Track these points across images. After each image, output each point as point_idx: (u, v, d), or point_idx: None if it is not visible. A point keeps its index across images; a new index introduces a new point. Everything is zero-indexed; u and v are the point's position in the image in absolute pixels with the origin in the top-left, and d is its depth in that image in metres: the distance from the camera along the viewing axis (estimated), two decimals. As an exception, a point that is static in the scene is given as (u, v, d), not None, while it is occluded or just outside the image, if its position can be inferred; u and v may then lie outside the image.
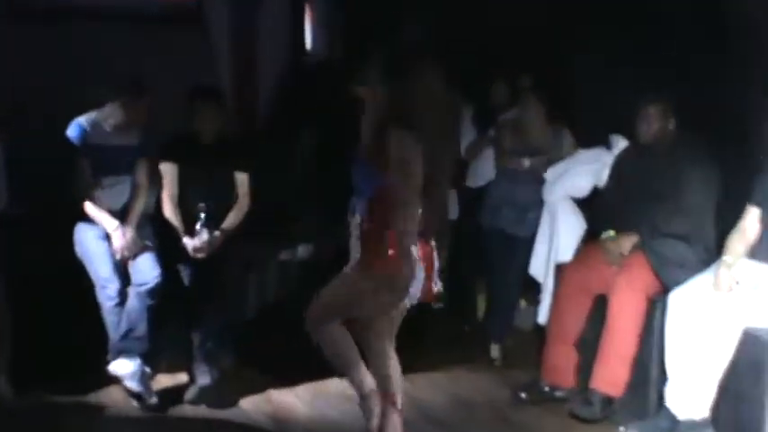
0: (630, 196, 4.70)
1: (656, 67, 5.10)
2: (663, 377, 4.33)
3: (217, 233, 4.84)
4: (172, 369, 4.96)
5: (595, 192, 5.11)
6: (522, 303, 5.72)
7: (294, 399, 4.84)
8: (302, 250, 5.89)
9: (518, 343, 5.55)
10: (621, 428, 4.41)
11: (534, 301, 5.41)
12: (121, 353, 4.61)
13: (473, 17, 6.27)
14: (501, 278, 5.46)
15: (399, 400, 3.91)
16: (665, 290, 4.39)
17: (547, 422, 4.62)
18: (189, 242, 4.80)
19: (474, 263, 5.80)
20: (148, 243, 4.73)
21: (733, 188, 4.45)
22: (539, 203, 5.21)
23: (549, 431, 4.57)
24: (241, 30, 6.48)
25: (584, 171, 5.09)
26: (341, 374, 3.97)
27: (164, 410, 4.62)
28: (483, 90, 5.87)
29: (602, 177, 5.03)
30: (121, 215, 4.73)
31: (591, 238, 4.92)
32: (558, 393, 4.80)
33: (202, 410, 4.66)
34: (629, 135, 4.86)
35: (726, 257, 4.20)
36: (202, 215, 4.80)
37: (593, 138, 5.23)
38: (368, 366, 3.89)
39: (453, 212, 5.65)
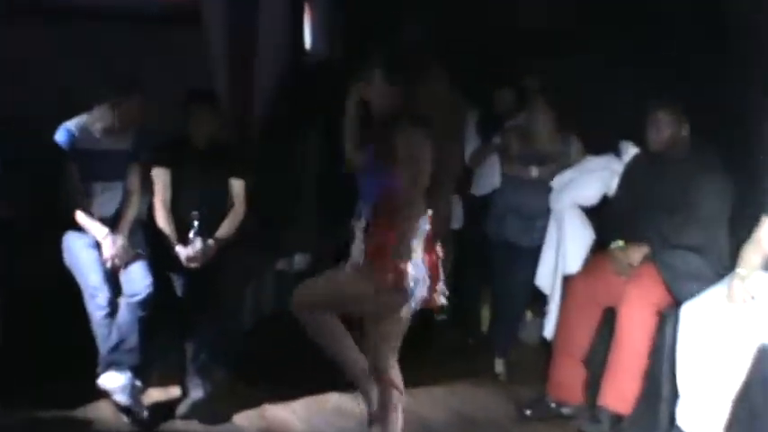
0: (641, 205, 4.68)
1: (660, 68, 5.14)
2: (674, 394, 4.30)
3: (211, 242, 4.81)
4: (163, 382, 4.91)
5: (604, 200, 5.08)
6: (528, 315, 5.69)
7: (290, 414, 4.80)
8: (300, 260, 5.86)
9: (523, 357, 5.52)
10: (631, 447, 4.39)
11: (540, 312, 5.37)
12: (111, 366, 4.56)
13: (475, 17, 6.28)
14: (506, 289, 5.43)
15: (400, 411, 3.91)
16: (677, 303, 4.37)
17: (553, 440, 4.61)
18: (182, 251, 4.78)
19: (478, 273, 5.77)
20: (140, 251, 4.70)
21: (749, 197, 4.44)
22: (545, 212, 5.18)
23: (555, 449, 4.57)
24: (239, 29, 6.47)
25: (592, 179, 5.07)
26: (331, 357, 3.96)
27: (155, 425, 4.58)
28: (488, 95, 5.86)
29: (612, 186, 5.00)
30: (112, 222, 4.70)
31: (599, 248, 4.89)
32: (565, 410, 4.77)
33: (195, 426, 4.62)
34: (640, 141, 4.83)
35: (740, 269, 4.17)
36: (196, 223, 4.77)
37: (601, 144, 5.21)
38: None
39: (458, 221, 5.64)
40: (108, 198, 4.75)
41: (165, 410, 4.69)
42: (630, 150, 4.97)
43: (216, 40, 6.35)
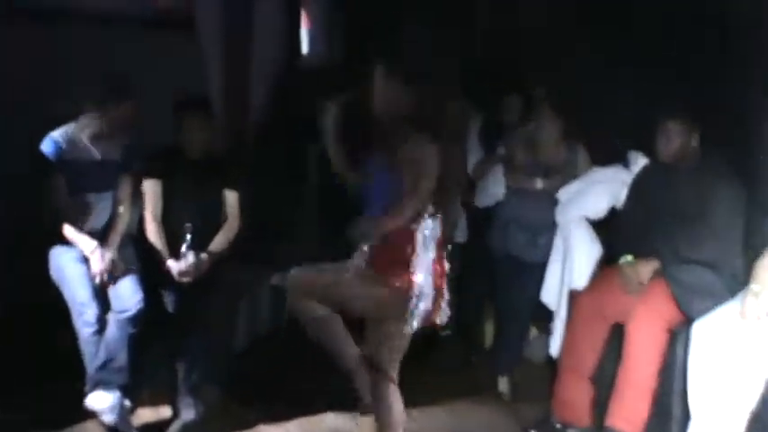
0: (650, 218, 4.65)
1: (659, 68, 5.19)
2: (685, 415, 4.24)
3: (204, 256, 4.78)
4: (154, 402, 4.87)
5: (612, 213, 5.05)
6: (533, 331, 5.67)
7: (285, 435, 4.80)
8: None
9: (528, 375, 5.49)
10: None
11: (546, 329, 5.36)
12: (99, 385, 4.53)
13: (478, 21, 6.32)
14: (510, 305, 5.41)
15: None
16: (688, 320, 4.33)
17: (559, 462, 4.58)
18: (174, 265, 4.74)
19: (482, 287, 5.75)
20: (130, 266, 4.67)
21: (749, 197, 4.46)
22: (551, 225, 5.15)
23: (561, 472, 4.54)
24: (234, 33, 6.49)
25: (600, 191, 5.04)
26: (324, 349, 3.98)
27: (144, 447, 4.56)
28: (492, 102, 5.85)
29: (620, 197, 4.97)
30: (101, 236, 4.66)
31: (607, 263, 4.86)
32: (571, 431, 4.74)
33: (186, 447, 4.60)
34: (649, 151, 4.82)
35: (753, 285, 4.12)
36: (188, 236, 4.73)
37: (608, 154, 5.20)
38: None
39: (462, 234, 5.62)
40: (97, 210, 4.70)
41: (155, 432, 4.67)
42: (640, 161, 4.95)
43: (210, 44, 6.36)
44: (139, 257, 4.78)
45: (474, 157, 5.73)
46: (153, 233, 4.83)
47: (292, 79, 6.74)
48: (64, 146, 4.58)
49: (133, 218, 4.88)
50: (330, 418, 4.72)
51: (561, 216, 5.13)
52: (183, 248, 4.74)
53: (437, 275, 3.82)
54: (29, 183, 4.65)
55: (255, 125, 6.60)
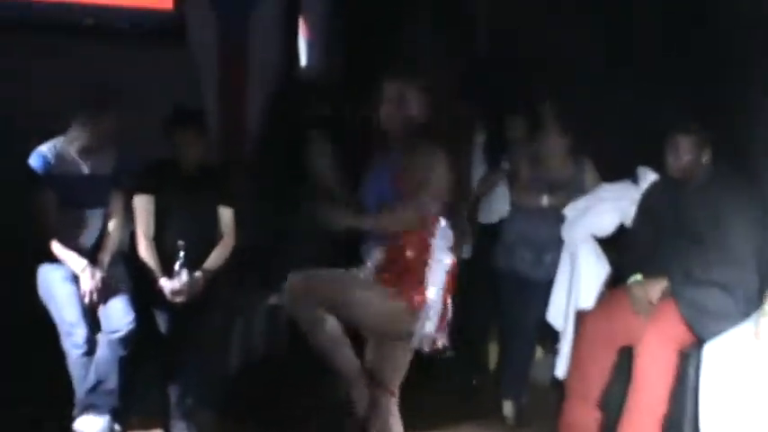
0: (660, 236, 4.63)
1: (659, 69, 5.26)
2: (697, 440, 4.24)
3: (198, 274, 4.76)
4: (145, 427, 4.83)
5: (621, 231, 5.03)
6: (539, 353, 5.65)
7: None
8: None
9: (534, 398, 5.44)
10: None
11: (552, 350, 5.34)
12: (89, 408, 4.53)
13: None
14: (515, 325, 5.39)
15: None
16: (700, 342, 4.31)
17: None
18: (166, 284, 4.73)
19: (486, 307, 5.71)
20: (121, 285, 4.65)
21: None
22: (557, 243, 5.14)
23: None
24: (229, 45, 6.50)
25: (608, 208, 5.01)
26: (324, 356, 3.94)
27: (135, 474, 4.55)
28: (497, 117, 5.84)
29: (629, 215, 4.95)
30: (91, 253, 4.65)
31: (615, 282, 4.84)
32: (579, 457, 4.71)
33: (179, 474, 4.59)
34: (659, 167, 4.81)
35: (767, 306, 4.12)
36: (182, 254, 4.72)
37: (617, 170, 5.18)
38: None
39: (466, 251, 5.60)
40: (87, 226, 4.70)
41: (146, 458, 4.67)
42: (649, 176, 4.93)
43: (204, 56, 6.37)
44: (131, 276, 4.77)
45: (478, 172, 5.72)
46: (145, 251, 4.81)
47: (291, 91, 6.75)
48: (52, 160, 4.58)
49: (125, 234, 4.88)
50: (327, 443, 4.72)
51: (568, 233, 5.10)
52: (177, 267, 4.72)
53: (446, 290, 3.83)
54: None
55: (252, 139, 6.59)
